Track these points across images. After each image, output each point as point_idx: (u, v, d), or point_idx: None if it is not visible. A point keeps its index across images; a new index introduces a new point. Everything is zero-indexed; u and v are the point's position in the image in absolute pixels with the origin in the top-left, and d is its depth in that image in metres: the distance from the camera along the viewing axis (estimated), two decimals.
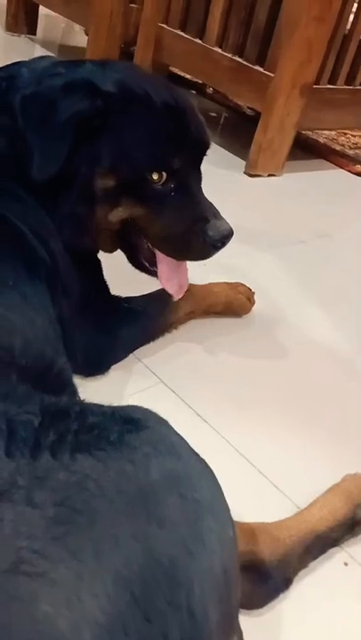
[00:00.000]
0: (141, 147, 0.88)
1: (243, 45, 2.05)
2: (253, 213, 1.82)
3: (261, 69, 1.97)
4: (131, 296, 1.13)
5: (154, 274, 1.02)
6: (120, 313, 1.07)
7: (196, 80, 2.79)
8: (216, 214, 0.94)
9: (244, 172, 2.05)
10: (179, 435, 0.60)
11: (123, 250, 1.01)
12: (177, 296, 1.06)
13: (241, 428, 1.05)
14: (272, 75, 1.92)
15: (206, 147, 0.96)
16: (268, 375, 1.19)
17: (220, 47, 2.10)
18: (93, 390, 1.00)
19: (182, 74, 2.77)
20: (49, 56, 0.98)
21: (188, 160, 0.91)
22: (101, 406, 0.62)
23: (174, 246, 0.95)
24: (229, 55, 2.07)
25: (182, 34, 2.26)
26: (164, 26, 2.32)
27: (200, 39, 2.17)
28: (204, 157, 0.99)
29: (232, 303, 1.31)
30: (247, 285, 1.32)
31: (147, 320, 1.12)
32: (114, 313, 1.06)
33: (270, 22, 1.94)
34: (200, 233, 0.92)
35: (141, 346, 1.14)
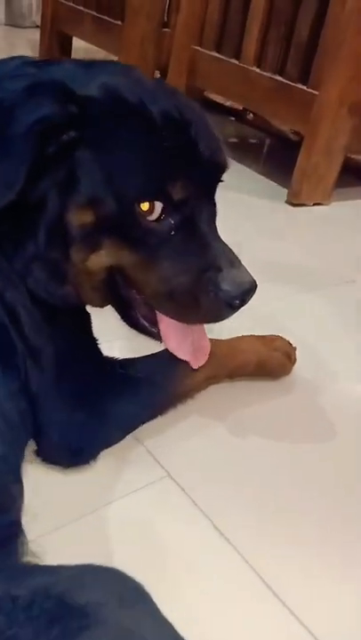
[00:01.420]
0: (129, 169, 0.69)
1: (283, 63, 1.91)
2: (295, 248, 1.62)
3: (304, 87, 1.83)
4: (130, 357, 0.91)
5: (157, 336, 0.81)
6: (113, 381, 0.85)
7: (234, 107, 2.67)
8: (233, 261, 0.74)
9: (286, 202, 1.88)
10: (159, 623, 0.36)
11: (112, 304, 0.80)
12: (196, 364, 0.83)
13: (268, 547, 0.78)
14: (316, 93, 1.78)
15: (221, 169, 0.76)
16: (311, 470, 0.92)
17: (259, 66, 1.98)
18: (73, 486, 0.78)
19: (219, 100, 2.63)
20: (23, 56, 0.78)
21: (194, 188, 0.71)
22: (37, 573, 0.40)
23: (176, 305, 0.74)
24: (268, 74, 1.94)
25: (217, 55, 2.17)
26: (198, 48, 2.24)
27: (236, 59, 2.05)
28: (222, 184, 0.78)
29: (266, 363, 1.06)
30: (286, 339, 1.09)
31: (150, 390, 0.89)
32: (103, 382, 0.84)
33: (313, 36, 1.81)
34: (211, 287, 0.72)
35: (143, 424, 0.89)
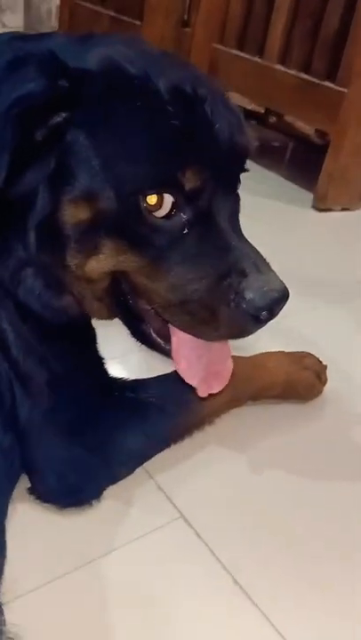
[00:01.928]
0: (132, 155, 0.59)
1: (309, 60, 1.83)
2: (322, 256, 1.52)
3: (332, 85, 1.74)
4: (142, 378, 0.80)
5: (169, 353, 0.70)
6: (119, 409, 0.75)
7: (255, 110, 2.56)
8: (259, 265, 0.63)
9: (312, 207, 1.80)
10: None
11: (119, 316, 0.70)
12: (205, 391, 0.71)
13: (289, 605, 0.67)
14: (345, 90, 1.68)
15: (243, 153, 0.66)
16: (342, 514, 0.79)
17: (283, 64, 1.88)
18: (72, 530, 0.68)
19: (240, 103, 2.53)
20: (14, 31, 0.67)
21: (211, 176, 0.61)
22: None
23: (191, 318, 0.63)
24: (293, 72, 1.85)
25: (239, 53, 2.08)
26: (219, 46, 2.15)
27: (259, 57, 1.97)
28: (243, 184, 0.67)
29: (295, 383, 0.95)
30: (316, 356, 0.99)
31: (163, 417, 0.79)
32: (108, 409, 0.74)
33: (342, 30, 1.72)
34: (233, 296, 0.61)
35: (154, 455, 0.78)
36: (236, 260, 0.62)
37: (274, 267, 0.66)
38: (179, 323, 0.65)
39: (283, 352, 0.97)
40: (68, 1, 2.86)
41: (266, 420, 0.92)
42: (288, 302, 0.64)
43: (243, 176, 0.66)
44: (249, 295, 0.61)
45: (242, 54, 2.02)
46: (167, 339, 0.69)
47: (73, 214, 0.60)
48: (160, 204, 0.59)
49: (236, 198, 0.67)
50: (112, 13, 2.56)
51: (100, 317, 0.72)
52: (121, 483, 0.75)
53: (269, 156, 2.24)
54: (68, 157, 0.58)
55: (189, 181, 0.59)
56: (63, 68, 0.57)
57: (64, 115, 0.58)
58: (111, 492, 0.74)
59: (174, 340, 0.68)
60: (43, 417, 0.67)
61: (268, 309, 0.62)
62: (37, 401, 0.66)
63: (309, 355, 0.98)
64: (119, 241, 0.61)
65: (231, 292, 0.61)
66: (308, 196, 1.80)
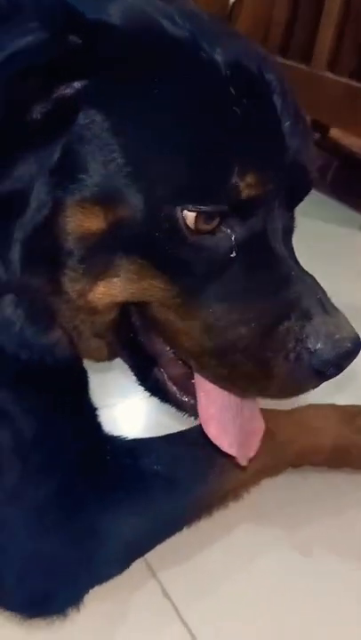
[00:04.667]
0: (174, 147, 0.45)
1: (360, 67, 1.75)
2: None
3: None
4: (147, 438, 0.63)
5: (191, 409, 0.56)
6: (112, 481, 0.57)
7: None
8: (325, 303, 0.50)
9: None
10: None
11: (125, 358, 0.56)
12: (245, 458, 0.57)
13: None
14: None
15: (310, 169, 0.52)
16: None
17: (332, 71, 1.76)
18: None
19: None
20: None
21: (272, 187, 0.48)
22: None
23: (232, 371, 0.50)
24: (344, 80, 1.72)
25: (283, 60, 1.95)
26: None
27: (305, 64, 1.84)
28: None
29: (347, 449, 0.75)
30: None
31: (172, 494, 0.61)
32: (96, 482, 0.55)
33: None
34: (292, 344, 0.48)
35: (158, 544, 0.59)
36: (298, 296, 0.49)
37: None
38: (213, 376, 0.51)
39: (333, 406, 0.77)
40: None
41: (306, 495, 0.72)
42: None
43: None
44: (316, 345, 0.48)
45: (286, 62, 1.89)
46: (187, 390, 0.55)
47: (80, 223, 0.46)
48: (206, 217, 0.45)
49: (292, 219, 0.53)
50: None
51: (97, 359, 0.57)
52: (112, 582, 0.55)
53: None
54: (78, 144, 0.45)
55: (247, 190, 0.46)
56: (75, 17, 0.43)
57: (75, 84, 0.44)
58: (96, 596, 0.54)
59: (201, 395, 0.53)
60: (3, 494, 0.48)
61: (336, 364, 0.48)
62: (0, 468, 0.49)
63: None
64: (142, 262, 0.47)
65: (291, 340, 0.48)
66: (356, 217, 1.68)
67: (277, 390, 0.51)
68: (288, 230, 0.53)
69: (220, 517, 0.65)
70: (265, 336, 0.48)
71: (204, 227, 0.46)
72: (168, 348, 0.53)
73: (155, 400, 0.56)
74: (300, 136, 0.50)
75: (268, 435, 0.68)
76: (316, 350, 0.47)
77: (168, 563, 0.60)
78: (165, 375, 0.55)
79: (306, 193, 0.54)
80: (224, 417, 0.54)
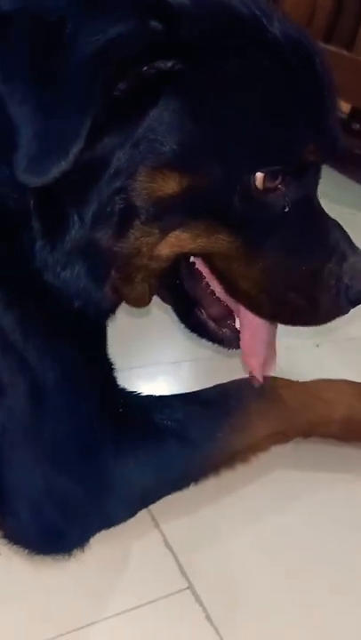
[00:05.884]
0: (251, 121, 0.52)
1: None
2: None
3: None
4: (165, 395, 0.65)
5: (228, 341, 0.64)
6: (124, 430, 0.59)
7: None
8: (353, 246, 0.60)
9: None
10: None
11: (170, 300, 0.64)
12: (262, 376, 0.65)
13: None
14: None
15: (340, 134, 0.59)
16: None
17: None
18: (49, 586, 0.53)
19: None
20: None
21: (322, 154, 0.57)
22: None
23: (284, 306, 0.59)
24: None
25: (327, 46, 1.89)
26: None
27: (348, 50, 1.82)
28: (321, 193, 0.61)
29: (358, 423, 0.75)
30: None
31: (182, 447, 0.62)
32: (110, 429, 0.57)
33: None
34: (335, 283, 0.58)
35: (164, 496, 0.61)
36: (336, 241, 0.59)
37: None
38: (265, 310, 0.60)
39: (346, 381, 0.77)
40: None
41: (313, 465, 0.73)
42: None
43: (322, 182, 0.62)
44: (351, 280, 0.58)
45: (330, 47, 1.86)
46: (223, 322, 0.64)
47: (158, 186, 0.51)
48: (271, 177, 0.53)
49: (319, 177, 0.61)
50: None
51: (137, 303, 0.61)
52: (116, 529, 0.58)
53: (351, 165, 2.07)
54: (159, 121, 0.49)
55: (309, 156, 0.54)
56: (160, 3, 0.47)
57: (159, 65, 0.48)
58: (100, 540, 0.57)
59: (244, 327, 0.62)
60: (19, 433, 0.52)
61: None
62: (14, 412, 0.52)
63: None
64: (210, 220, 0.53)
65: (332, 278, 0.58)
66: None
67: (318, 319, 0.61)
68: (317, 187, 0.61)
69: (227, 478, 0.66)
70: (313, 276, 0.57)
71: (269, 185, 0.53)
72: (209, 291, 0.61)
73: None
74: (336, 105, 0.57)
75: (281, 401, 0.70)
76: (351, 284, 0.57)
77: (172, 516, 0.62)
78: (205, 314, 0.62)
79: (334, 157, 0.60)
80: (256, 343, 0.63)
